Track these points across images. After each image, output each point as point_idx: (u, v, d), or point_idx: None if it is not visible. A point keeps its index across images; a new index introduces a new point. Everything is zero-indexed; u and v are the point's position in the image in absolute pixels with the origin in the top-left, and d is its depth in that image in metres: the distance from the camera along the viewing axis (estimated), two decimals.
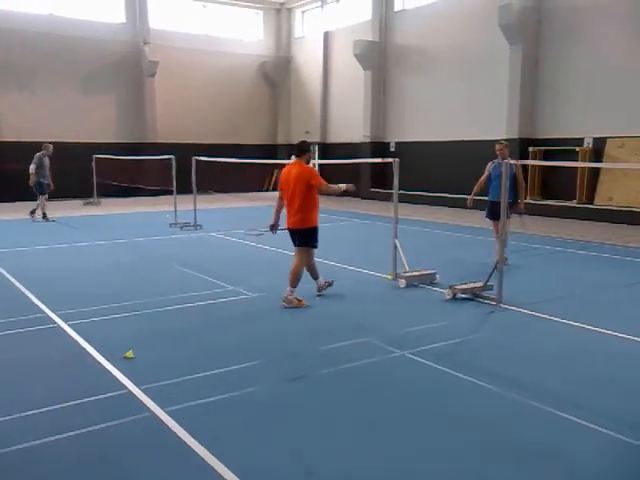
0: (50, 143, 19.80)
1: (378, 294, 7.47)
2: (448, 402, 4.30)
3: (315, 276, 7.26)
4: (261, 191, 24.78)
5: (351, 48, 20.50)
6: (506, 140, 16.09)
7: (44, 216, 14.65)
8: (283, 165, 22.75)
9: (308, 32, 24.34)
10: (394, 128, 20.50)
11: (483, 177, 9.20)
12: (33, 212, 14.76)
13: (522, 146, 16.05)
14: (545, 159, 15.67)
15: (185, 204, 13.96)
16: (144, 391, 4.36)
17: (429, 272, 8.02)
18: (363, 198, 20.53)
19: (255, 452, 3.55)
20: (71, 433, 3.75)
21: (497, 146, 8.85)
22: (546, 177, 16.33)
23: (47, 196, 14.83)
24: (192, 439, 3.65)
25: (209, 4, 23.68)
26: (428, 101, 19.06)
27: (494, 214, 8.56)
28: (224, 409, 4.14)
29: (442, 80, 18.68)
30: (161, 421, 3.91)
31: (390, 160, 8.04)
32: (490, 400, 4.33)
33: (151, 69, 21.71)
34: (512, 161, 7.94)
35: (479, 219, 12.20)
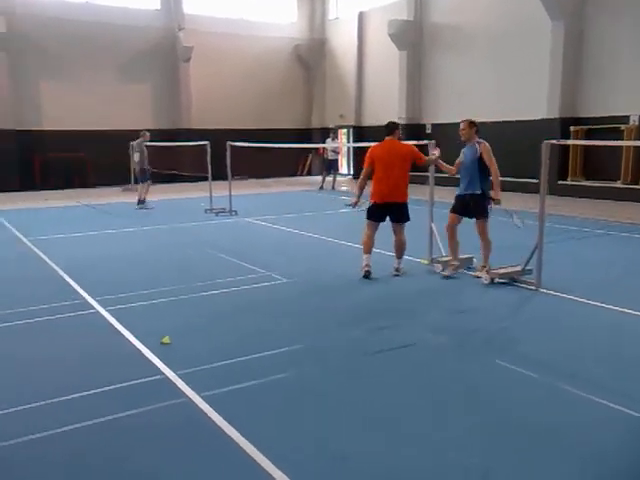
0: (88, 131, 20.33)
1: (414, 279, 7.37)
2: (484, 388, 4.21)
3: (400, 255, 7.51)
4: (295, 176, 24.78)
5: (386, 28, 20.13)
6: (548, 120, 15.84)
7: (143, 201, 14.51)
8: (317, 149, 22.35)
9: (342, 13, 23.99)
10: (430, 109, 20.11)
11: (457, 161, 7.42)
12: (142, 201, 14.56)
13: (563, 126, 15.53)
14: (588, 138, 15.14)
15: (220, 190, 14.05)
16: (180, 376, 4.40)
17: (466, 256, 7.86)
18: None
19: (292, 439, 3.54)
20: (108, 417, 3.81)
21: (460, 125, 7.18)
22: (588, 157, 15.80)
23: (150, 182, 14.74)
24: (228, 425, 3.66)
25: None
26: (465, 80, 18.61)
27: (462, 208, 7.22)
28: (260, 394, 4.14)
29: (480, 58, 18.20)
30: (196, 406, 3.94)
31: (426, 142, 7.88)
32: (527, 386, 4.23)
33: (186, 55, 21.81)
34: (480, 142, 7.02)
35: (516, 201, 11.93)
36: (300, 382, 4.37)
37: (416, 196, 15.28)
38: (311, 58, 24.72)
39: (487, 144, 7.05)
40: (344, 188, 19.87)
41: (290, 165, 24.40)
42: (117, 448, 3.48)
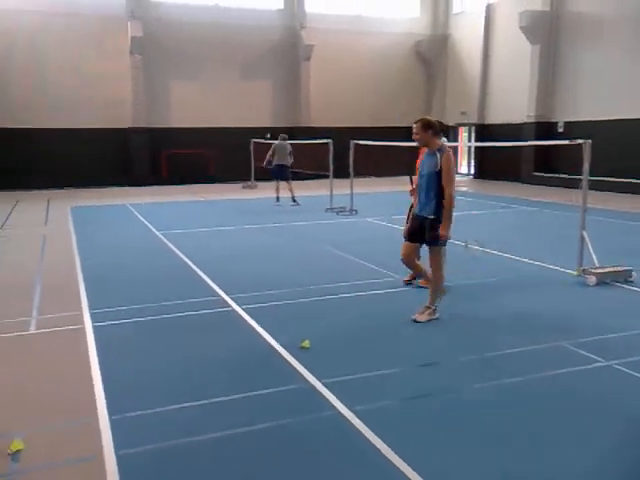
0: (211, 128, 21.02)
1: (564, 291, 6.70)
2: None
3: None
4: (414, 175, 24.14)
5: (516, 20, 19.02)
6: None
7: (293, 199, 14.71)
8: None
9: (468, 6, 23.00)
10: (564, 106, 18.70)
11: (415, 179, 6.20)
12: (294, 199, 14.69)
13: None
14: None
15: (338, 188, 13.90)
16: (326, 386, 4.16)
17: (623, 269, 7.05)
18: (524, 182, 19.15)
19: (448, 461, 3.21)
20: (256, 427, 3.63)
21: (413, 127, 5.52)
22: None
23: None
24: (383, 444, 3.38)
25: None
26: (609, 74, 17.04)
27: (412, 233, 5.71)
28: (411, 412, 3.83)
29: (626, 50, 16.58)
30: (347, 420, 3.69)
31: (580, 141, 7.15)
32: None
33: (307, 53, 21.94)
34: (443, 149, 5.37)
35: None
36: (455, 402, 3.98)
37: (546, 198, 14.33)
38: (432, 54, 23.98)
39: (451, 153, 5.43)
40: (463, 188, 19.08)
41: (409, 164, 23.78)
42: (268, 461, 3.28)
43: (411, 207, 6.36)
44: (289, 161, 14.73)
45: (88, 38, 19.53)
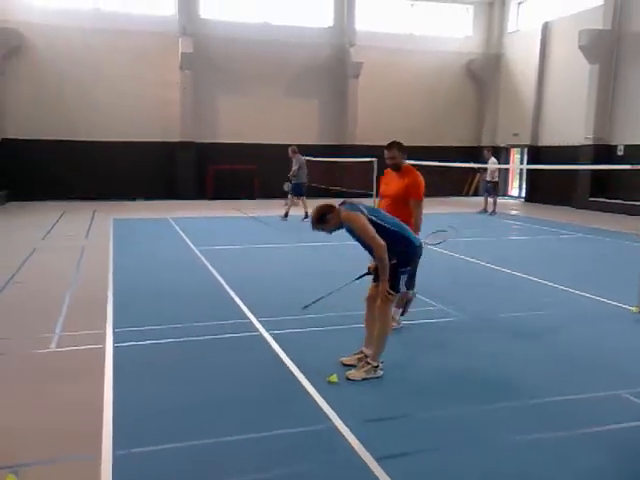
0: (257, 144, 21.00)
1: (622, 330, 6.11)
2: None
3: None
4: (461, 196, 23.54)
5: (575, 39, 18.26)
6: None
7: (306, 215, 14.57)
8: (485, 169, 20.61)
9: (523, 25, 22.36)
10: (623, 129, 17.78)
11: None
12: (306, 215, 14.57)
13: None
14: None
15: None
16: (351, 429, 3.78)
17: None
18: (578, 208, 18.26)
19: None
20: (276, 472, 3.29)
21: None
22: None
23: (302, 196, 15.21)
24: None
25: (417, 3, 23.02)
26: None
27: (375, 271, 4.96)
28: (445, 463, 3.41)
29: None
30: (370, 471, 3.30)
31: (614, 167, 6.58)
32: None
33: (355, 70, 21.73)
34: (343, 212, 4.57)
35: None
36: (487, 455, 3.54)
37: (605, 226, 13.52)
38: (484, 73, 23.39)
39: (348, 214, 4.56)
40: (514, 212, 18.36)
41: (455, 184, 23.21)
42: None
43: None
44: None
45: (140, 54, 19.87)
